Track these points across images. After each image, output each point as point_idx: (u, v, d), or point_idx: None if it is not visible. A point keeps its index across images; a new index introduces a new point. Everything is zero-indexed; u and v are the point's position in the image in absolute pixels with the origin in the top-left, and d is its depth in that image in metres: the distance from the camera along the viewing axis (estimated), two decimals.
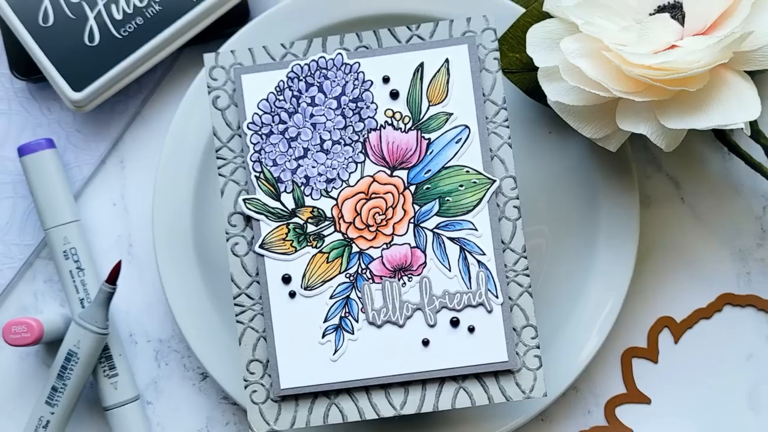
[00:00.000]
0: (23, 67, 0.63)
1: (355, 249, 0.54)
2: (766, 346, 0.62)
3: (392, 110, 0.54)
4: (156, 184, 0.61)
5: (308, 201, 0.54)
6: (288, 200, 0.54)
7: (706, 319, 0.62)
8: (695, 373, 0.62)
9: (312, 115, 0.54)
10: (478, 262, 0.53)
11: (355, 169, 0.54)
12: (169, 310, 0.61)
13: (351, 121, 0.54)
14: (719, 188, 0.62)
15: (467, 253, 0.53)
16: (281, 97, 0.54)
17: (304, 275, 0.54)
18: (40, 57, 0.60)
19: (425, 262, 0.53)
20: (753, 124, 0.58)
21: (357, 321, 0.53)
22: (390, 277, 0.54)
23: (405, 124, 0.54)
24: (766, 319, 0.62)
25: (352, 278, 0.53)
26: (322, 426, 0.57)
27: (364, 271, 0.53)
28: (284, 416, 0.53)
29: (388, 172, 0.54)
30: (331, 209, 0.54)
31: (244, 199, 0.54)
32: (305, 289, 0.53)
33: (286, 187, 0.54)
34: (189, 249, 0.61)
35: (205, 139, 0.61)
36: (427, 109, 0.54)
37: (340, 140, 0.54)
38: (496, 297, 0.53)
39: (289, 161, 0.54)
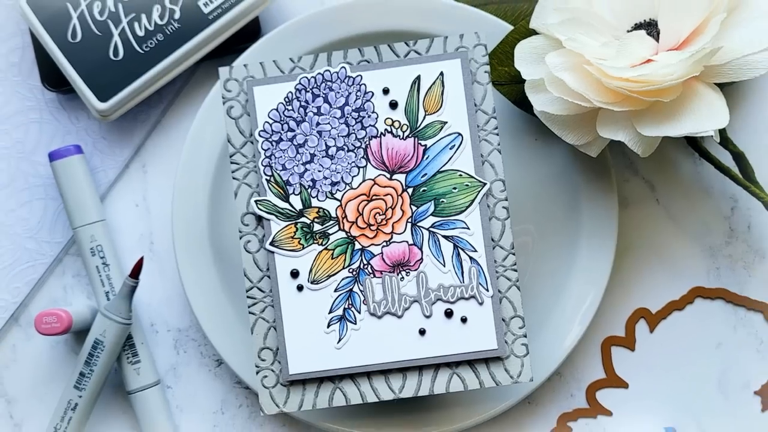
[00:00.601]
0: (53, 79, 0.63)
1: (357, 246, 0.54)
2: (734, 335, 0.62)
3: (391, 119, 0.54)
4: (175, 186, 0.61)
5: (314, 202, 0.54)
6: (296, 201, 0.54)
7: (679, 311, 0.62)
8: (669, 360, 0.62)
9: (318, 124, 0.54)
10: (470, 258, 0.53)
11: (358, 173, 0.54)
12: (187, 302, 0.61)
13: (354, 129, 0.54)
14: (691, 191, 0.62)
15: (460, 250, 0.53)
16: (290, 107, 0.54)
17: (310, 270, 0.54)
18: (68, 70, 0.60)
19: (422, 258, 0.53)
20: (722, 132, 0.58)
21: (359, 312, 0.53)
22: (389, 272, 0.54)
23: (403, 132, 0.54)
24: (733, 311, 0.62)
25: (354, 273, 0.53)
26: (327, 408, 0.57)
27: (366, 266, 0.53)
28: (292, 399, 0.53)
29: (388, 175, 0.54)
30: (336, 210, 0.54)
31: (255, 201, 0.54)
32: (312, 283, 0.54)
33: (294, 189, 0.54)
34: (205, 246, 0.61)
35: (220, 146, 0.61)
36: (424, 118, 0.54)
37: (344, 146, 0.54)
38: (487, 290, 0.53)
39: (297, 166, 0.54)
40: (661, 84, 0.50)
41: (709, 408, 0.61)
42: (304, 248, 0.54)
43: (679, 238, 0.62)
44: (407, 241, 0.54)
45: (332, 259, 0.54)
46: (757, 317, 0.62)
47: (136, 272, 0.58)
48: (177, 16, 0.60)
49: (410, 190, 0.54)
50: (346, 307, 0.53)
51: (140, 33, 0.60)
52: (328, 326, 0.53)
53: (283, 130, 0.54)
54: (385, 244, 0.54)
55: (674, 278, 0.62)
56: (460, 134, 0.54)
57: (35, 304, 0.63)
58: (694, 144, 0.59)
